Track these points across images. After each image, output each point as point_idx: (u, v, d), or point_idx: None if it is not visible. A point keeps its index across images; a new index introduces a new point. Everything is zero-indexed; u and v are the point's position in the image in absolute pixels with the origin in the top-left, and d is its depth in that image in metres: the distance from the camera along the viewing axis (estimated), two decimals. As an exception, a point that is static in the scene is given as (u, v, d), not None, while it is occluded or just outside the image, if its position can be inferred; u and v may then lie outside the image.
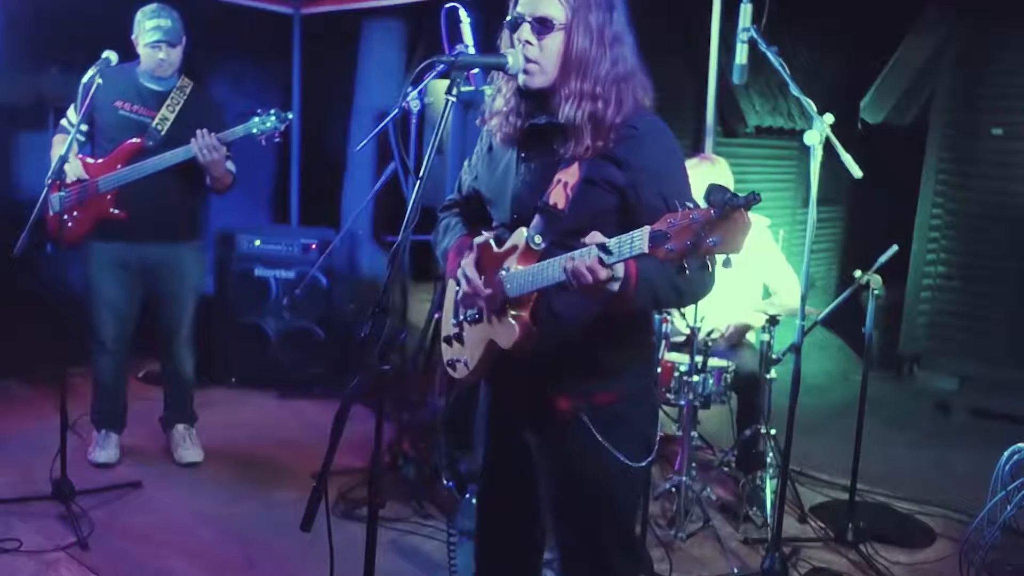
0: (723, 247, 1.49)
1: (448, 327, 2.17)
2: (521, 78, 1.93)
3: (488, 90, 2.13)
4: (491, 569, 2.29)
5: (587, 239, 1.69)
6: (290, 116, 3.76)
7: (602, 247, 1.66)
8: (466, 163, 2.26)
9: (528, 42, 1.90)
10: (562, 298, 1.90)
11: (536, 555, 2.29)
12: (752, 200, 1.46)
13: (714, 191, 1.48)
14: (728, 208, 1.46)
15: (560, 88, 1.91)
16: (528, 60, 1.91)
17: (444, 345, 2.19)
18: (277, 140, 3.78)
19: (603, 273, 1.67)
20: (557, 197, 1.90)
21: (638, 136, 1.91)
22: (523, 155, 2.02)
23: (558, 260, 1.76)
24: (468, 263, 1.99)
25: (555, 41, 1.89)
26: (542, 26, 1.89)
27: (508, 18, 1.95)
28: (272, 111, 3.71)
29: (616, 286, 1.71)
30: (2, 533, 3.23)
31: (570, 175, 1.90)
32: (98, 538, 3.27)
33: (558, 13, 1.89)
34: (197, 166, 3.70)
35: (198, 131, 3.64)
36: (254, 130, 3.71)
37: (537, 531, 2.24)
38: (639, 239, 1.59)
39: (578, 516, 2.06)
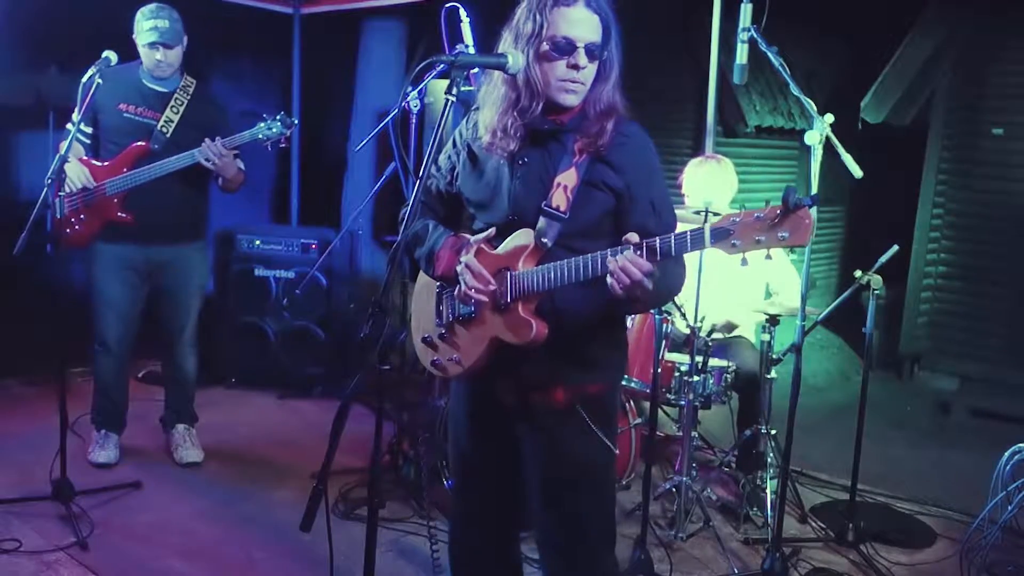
0: (792, 241, 1.68)
1: (430, 328, 2.20)
2: (564, 98, 2.01)
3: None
4: (470, 564, 2.34)
5: (629, 237, 1.83)
6: (295, 121, 3.76)
7: (647, 246, 1.80)
8: (432, 167, 2.24)
9: (583, 67, 1.99)
10: (565, 294, 1.99)
11: (516, 549, 2.38)
12: (815, 201, 1.67)
13: (790, 192, 1.67)
14: (796, 206, 1.66)
15: (594, 101, 2.03)
16: (575, 81, 2.00)
17: (423, 347, 2.22)
18: (283, 146, 3.79)
19: (647, 267, 1.80)
20: (559, 200, 2.00)
21: (630, 144, 2.06)
22: (524, 161, 2.06)
23: (590, 258, 1.89)
24: (470, 258, 2.03)
25: (596, 62, 2.02)
26: (594, 51, 2.00)
27: (546, 38, 1.97)
28: (277, 117, 3.72)
29: (651, 283, 1.82)
30: (2, 533, 3.23)
31: (569, 179, 2.01)
32: (98, 538, 3.27)
33: (599, 35, 2.00)
34: (201, 167, 3.71)
35: (205, 141, 3.64)
36: (260, 135, 3.71)
37: (515, 523, 2.32)
38: (697, 235, 1.74)
39: (568, 502, 2.13)
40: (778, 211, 1.67)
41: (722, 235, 1.72)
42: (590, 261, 1.89)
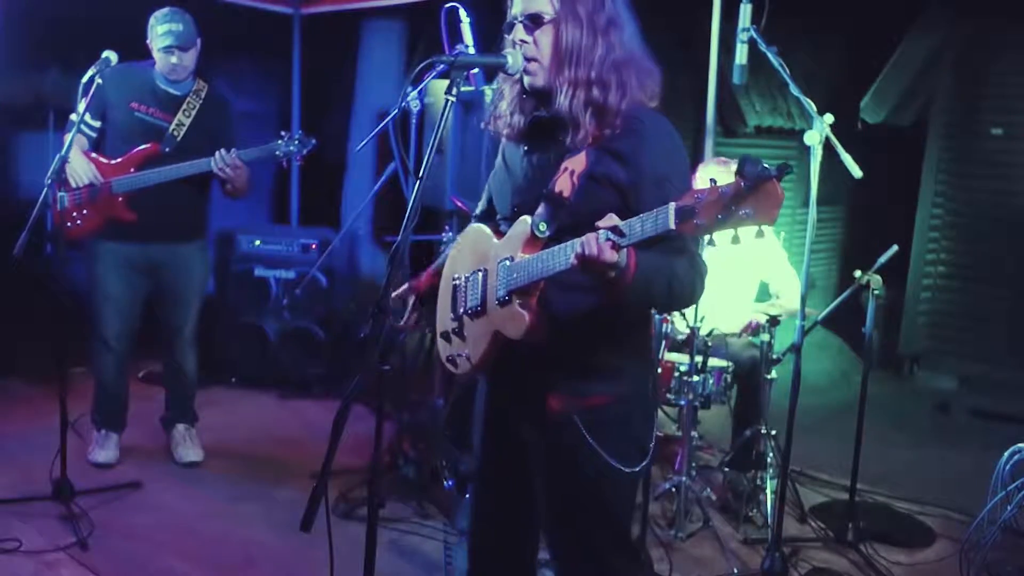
0: (757, 218, 1.49)
1: (446, 322, 2.15)
2: (526, 79, 1.96)
3: (488, 91, 2.14)
4: (484, 566, 2.27)
5: (602, 222, 1.67)
6: (313, 142, 3.75)
7: (615, 229, 1.65)
8: (491, 175, 2.26)
9: (523, 41, 1.93)
10: (559, 296, 1.90)
11: (530, 553, 2.28)
12: (784, 170, 1.47)
13: (747, 163, 1.48)
14: (760, 180, 1.47)
15: (555, 79, 1.93)
16: (527, 59, 1.94)
17: (442, 341, 2.17)
18: (298, 163, 3.78)
19: (610, 255, 1.65)
20: (563, 185, 1.90)
21: (643, 132, 1.89)
22: (527, 150, 2.04)
23: (569, 245, 1.73)
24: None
25: (547, 35, 1.92)
26: (533, 22, 1.93)
27: (505, 24, 1.99)
28: (296, 135, 3.72)
29: (615, 272, 1.70)
30: (2, 533, 3.23)
31: (577, 164, 1.90)
32: (98, 538, 3.27)
33: (547, 7, 1.92)
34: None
35: (219, 153, 3.63)
36: (277, 152, 3.70)
37: (531, 529, 2.23)
38: (663, 215, 1.58)
39: (571, 517, 2.06)
40: (742, 185, 1.49)
41: (688, 214, 1.54)
42: (560, 250, 1.75)
